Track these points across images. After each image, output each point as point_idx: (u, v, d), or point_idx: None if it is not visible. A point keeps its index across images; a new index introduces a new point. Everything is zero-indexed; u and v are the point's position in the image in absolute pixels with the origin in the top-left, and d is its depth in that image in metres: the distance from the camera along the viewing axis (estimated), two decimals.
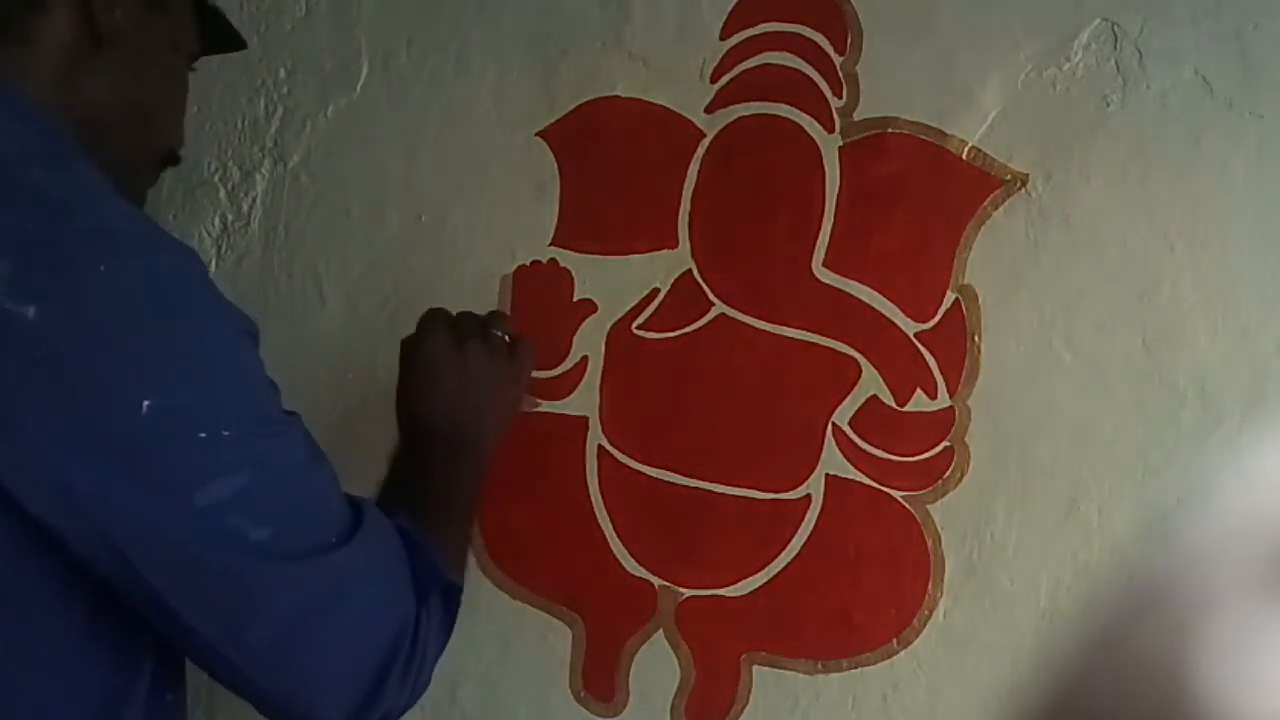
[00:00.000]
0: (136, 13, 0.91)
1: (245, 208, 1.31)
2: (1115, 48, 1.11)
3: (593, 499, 1.23)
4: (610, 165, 1.22)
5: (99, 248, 0.78)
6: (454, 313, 1.11)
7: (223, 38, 1.09)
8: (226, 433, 0.80)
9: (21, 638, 0.81)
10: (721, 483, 1.20)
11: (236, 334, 0.84)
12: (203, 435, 0.79)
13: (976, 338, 1.15)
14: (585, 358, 1.23)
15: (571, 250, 1.23)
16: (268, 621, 0.82)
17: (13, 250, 0.76)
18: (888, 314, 1.16)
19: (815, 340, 1.18)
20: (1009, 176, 1.14)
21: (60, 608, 0.82)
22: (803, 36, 1.18)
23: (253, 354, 0.85)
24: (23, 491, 0.76)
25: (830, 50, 1.17)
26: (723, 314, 1.20)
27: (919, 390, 1.16)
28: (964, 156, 1.15)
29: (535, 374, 1.22)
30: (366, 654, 0.86)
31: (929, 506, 1.15)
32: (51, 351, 0.75)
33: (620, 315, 1.22)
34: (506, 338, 1.12)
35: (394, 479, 1.03)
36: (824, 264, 1.18)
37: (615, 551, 1.22)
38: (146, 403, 0.76)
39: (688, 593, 1.21)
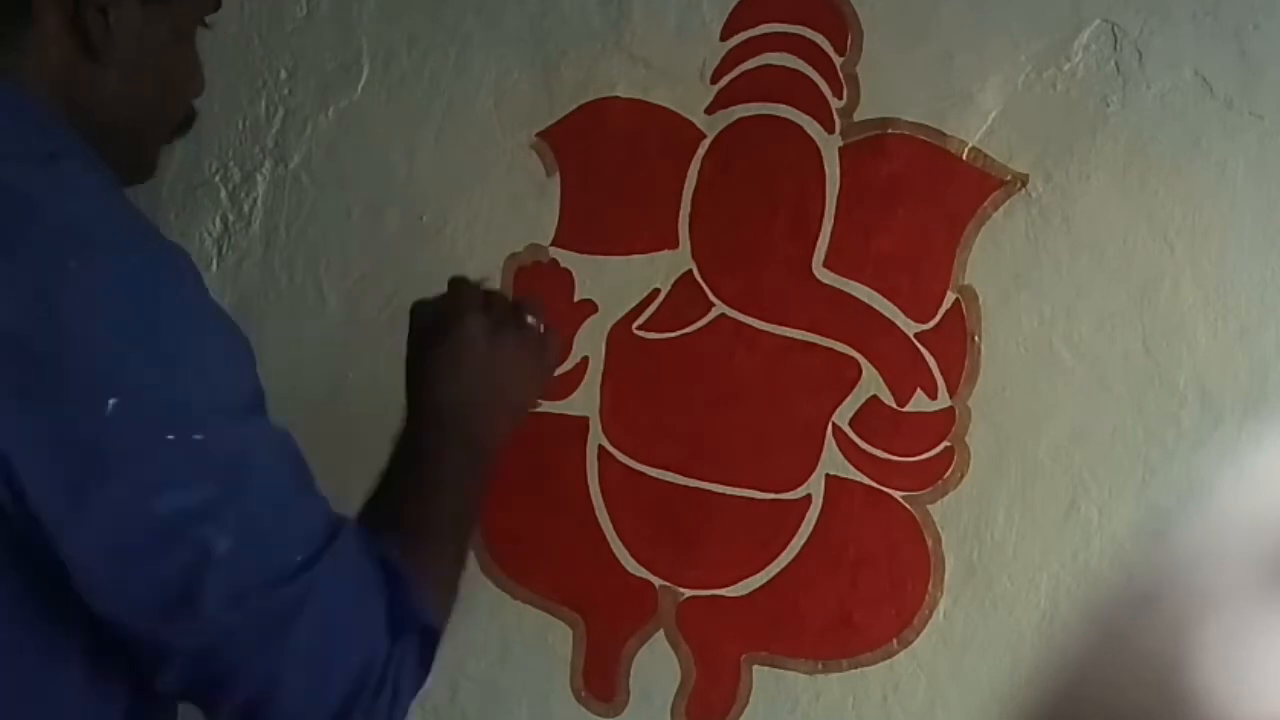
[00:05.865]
0: (132, 14, 0.86)
1: (246, 208, 1.31)
2: (1115, 48, 1.11)
3: (593, 499, 1.23)
4: (610, 166, 1.22)
5: (67, 246, 0.76)
6: (482, 290, 1.02)
7: None
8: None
9: (10, 643, 0.78)
10: (721, 483, 1.20)
11: (218, 336, 0.81)
12: (170, 438, 0.75)
13: (976, 338, 1.15)
14: (586, 358, 1.23)
15: (572, 250, 1.23)
16: (220, 636, 0.77)
17: None
18: (888, 314, 1.16)
19: (815, 340, 1.18)
20: (1009, 176, 1.14)
21: (50, 613, 0.79)
22: (803, 37, 1.18)
23: (237, 359, 0.81)
24: None
25: (830, 51, 1.17)
26: (723, 314, 1.20)
27: (919, 390, 1.16)
28: (964, 157, 1.15)
29: None
30: (330, 679, 0.81)
31: (929, 506, 1.15)
32: (17, 346, 0.74)
33: (621, 316, 1.22)
34: (541, 328, 1.02)
35: (398, 468, 0.93)
36: (824, 264, 1.18)
37: (615, 551, 1.22)
38: (112, 401, 0.74)
39: (688, 593, 1.21)
